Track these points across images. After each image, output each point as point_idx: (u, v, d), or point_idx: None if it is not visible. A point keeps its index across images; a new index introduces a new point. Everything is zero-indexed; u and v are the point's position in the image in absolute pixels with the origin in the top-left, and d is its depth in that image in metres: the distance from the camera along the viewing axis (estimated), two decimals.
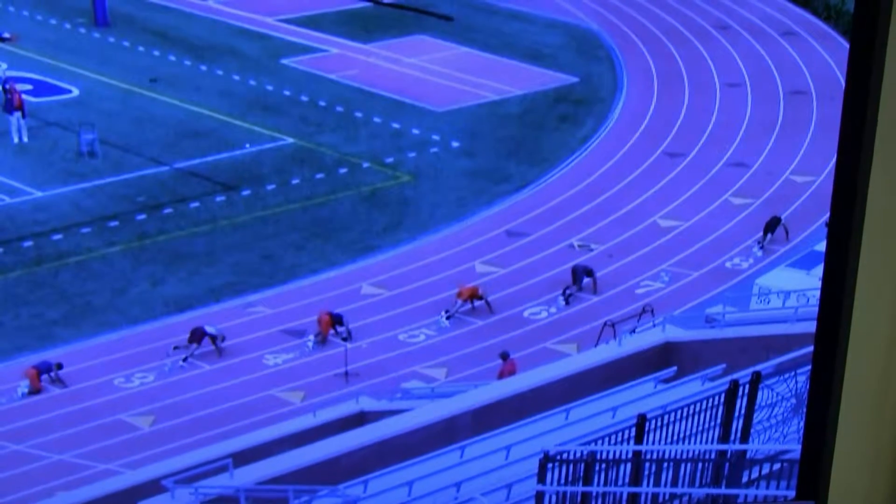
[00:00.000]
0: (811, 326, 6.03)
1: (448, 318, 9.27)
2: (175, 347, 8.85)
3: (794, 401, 7.00)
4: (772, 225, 9.48)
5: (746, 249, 9.43)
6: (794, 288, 8.29)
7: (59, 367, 8.57)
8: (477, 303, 9.27)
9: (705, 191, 10.25)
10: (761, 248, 9.33)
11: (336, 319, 9.12)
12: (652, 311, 8.68)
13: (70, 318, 9.02)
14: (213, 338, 8.84)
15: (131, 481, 7.68)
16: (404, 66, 12.50)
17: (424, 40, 13.01)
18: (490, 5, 14.02)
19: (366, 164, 10.94)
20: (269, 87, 12.00)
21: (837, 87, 7.02)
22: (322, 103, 11.85)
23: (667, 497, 7.01)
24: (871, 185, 5.90)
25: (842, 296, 5.99)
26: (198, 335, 8.86)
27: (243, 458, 7.59)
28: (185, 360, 8.77)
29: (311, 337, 9.04)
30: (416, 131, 11.33)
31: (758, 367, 7.19)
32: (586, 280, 9.36)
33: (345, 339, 8.96)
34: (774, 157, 10.43)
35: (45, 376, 8.60)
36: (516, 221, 10.21)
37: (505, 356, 8.66)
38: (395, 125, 11.44)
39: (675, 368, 7.86)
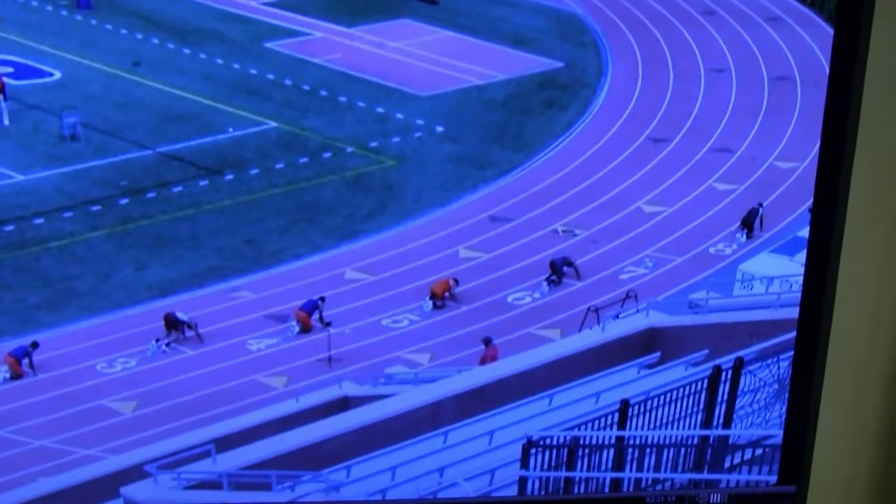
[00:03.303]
0: (794, 312, 6.10)
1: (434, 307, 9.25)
2: (157, 340, 8.81)
3: (776, 386, 7.02)
4: (750, 220, 9.47)
5: (730, 235, 9.42)
6: (777, 274, 8.27)
7: (35, 345, 8.51)
8: (456, 289, 9.24)
9: (689, 176, 10.21)
10: (746, 237, 9.34)
11: (309, 312, 9.10)
12: (636, 296, 8.67)
13: (52, 302, 8.96)
14: (185, 324, 8.80)
15: (113, 467, 7.64)
16: (389, 51, 12.46)
17: (409, 24, 12.94)
18: None
19: (350, 149, 10.88)
20: (253, 71, 11.92)
21: (822, 74, 7.03)
22: (306, 87, 11.78)
23: (649, 482, 7.03)
24: (855, 172, 5.96)
25: (824, 282, 6.05)
26: (171, 322, 8.83)
27: (226, 443, 7.56)
28: (167, 345, 8.73)
29: (294, 323, 9.04)
30: (400, 116, 11.27)
31: (741, 353, 7.21)
32: (567, 269, 9.34)
33: (327, 325, 8.94)
34: (759, 142, 10.40)
35: (24, 360, 8.57)
36: (500, 206, 10.17)
37: (487, 341, 8.62)
38: (380, 109, 11.37)
39: (658, 354, 7.83)
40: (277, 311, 9.03)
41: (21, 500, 7.34)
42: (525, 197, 10.19)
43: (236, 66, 11.97)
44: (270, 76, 11.85)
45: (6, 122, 10.70)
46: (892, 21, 6.60)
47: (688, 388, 7.18)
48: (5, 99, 10.79)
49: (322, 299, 9.00)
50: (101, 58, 11.76)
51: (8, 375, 8.41)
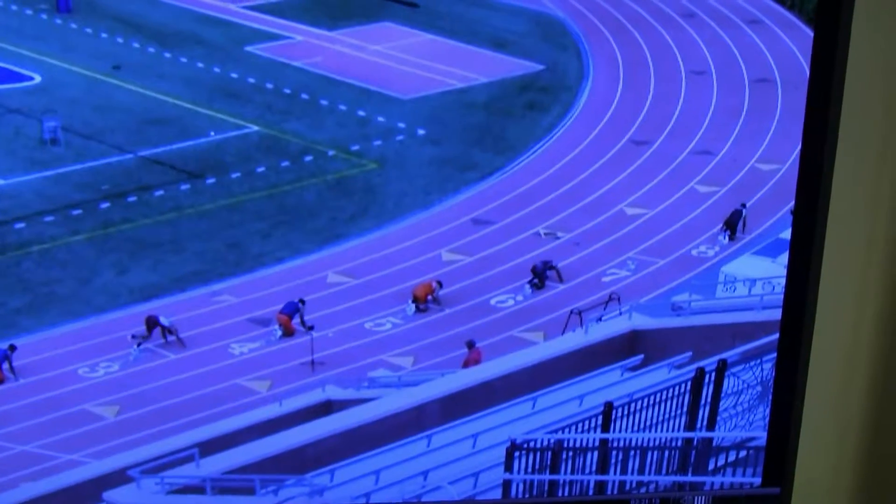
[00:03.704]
0: (777, 314, 6.11)
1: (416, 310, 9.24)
2: (133, 336, 8.76)
3: (759, 388, 7.03)
4: (733, 222, 9.49)
5: (712, 237, 9.44)
6: (759, 276, 8.29)
7: (13, 348, 8.46)
8: (439, 292, 9.23)
9: (671, 178, 10.23)
10: (729, 239, 9.36)
11: (290, 314, 9.08)
12: (618, 298, 8.68)
13: (34, 307, 8.92)
14: (166, 329, 8.77)
15: (97, 471, 7.61)
16: (369, 54, 12.45)
17: (389, 27, 12.93)
18: None
19: (331, 152, 10.87)
20: (234, 75, 11.90)
21: (802, 76, 7.05)
22: (287, 91, 11.75)
23: (634, 485, 7.04)
24: (836, 173, 5.97)
25: (806, 284, 6.06)
26: (152, 324, 8.80)
27: (209, 447, 7.54)
28: (138, 344, 8.67)
29: (277, 327, 9.02)
30: (381, 119, 11.25)
31: (724, 355, 7.22)
32: (549, 272, 9.34)
33: (309, 329, 8.92)
34: (740, 145, 10.43)
35: (4, 364, 8.52)
36: (482, 209, 10.17)
37: (471, 344, 8.62)
38: (361, 113, 11.36)
39: (641, 356, 7.84)
40: (260, 315, 9.01)
41: None
42: (507, 200, 10.19)
43: (217, 69, 11.94)
44: (251, 80, 11.82)
45: None
46: (872, 23, 6.63)
47: (671, 390, 7.18)
48: None
49: (302, 301, 8.99)
50: (82, 61, 11.72)
51: None
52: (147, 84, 11.46)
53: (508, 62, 12.20)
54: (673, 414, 7.16)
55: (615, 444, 7.05)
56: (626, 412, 7.16)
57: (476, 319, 8.95)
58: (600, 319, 8.35)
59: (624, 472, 7.03)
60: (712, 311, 8.22)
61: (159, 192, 10.04)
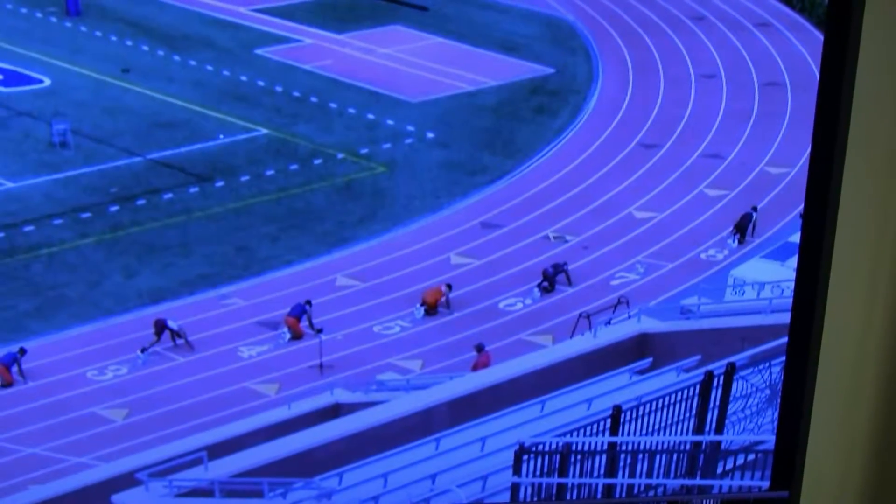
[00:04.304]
0: (786, 317, 6.06)
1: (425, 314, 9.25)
2: (142, 350, 8.77)
3: (768, 392, 7.02)
4: (743, 225, 9.46)
5: (721, 241, 9.44)
6: (768, 279, 8.29)
7: (23, 352, 8.48)
8: (448, 295, 9.24)
9: (680, 182, 10.25)
10: (738, 242, 9.35)
11: (297, 317, 9.10)
12: (627, 302, 8.68)
13: (43, 310, 8.94)
14: (174, 333, 8.77)
15: (105, 474, 7.63)
16: (379, 57, 12.47)
17: (399, 30, 12.96)
18: None
19: (340, 155, 10.89)
20: (243, 78, 11.93)
21: (811, 78, 7.04)
22: (296, 94, 11.79)
23: (642, 488, 7.02)
24: (845, 176, 5.91)
25: (815, 287, 6.01)
26: (159, 327, 8.81)
27: (218, 450, 7.54)
28: (144, 350, 8.67)
29: (285, 330, 9.03)
30: (390, 122, 11.28)
31: (732, 358, 7.20)
32: (560, 276, 9.33)
33: (318, 332, 8.92)
34: (749, 148, 10.44)
35: (13, 368, 8.54)
36: (491, 213, 10.19)
37: (480, 348, 8.64)
38: (370, 116, 11.39)
39: (650, 360, 7.85)
40: (268, 318, 9.02)
41: None
42: (516, 203, 10.20)
43: (226, 72, 11.97)
44: (261, 83, 11.86)
45: None
46: (882, 26, 6.59)
47: (680, 393, 7.16)
48: None
49: (309, 303, 9.00)
50: (91, 65, 11.75)
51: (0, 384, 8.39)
52: (156, 87, 11.49)
53: (518, 65, 12.19)
54: (681, 417, 7.14)
55: (623, 448, 7.03)
56: (634, 415, 7.14)
57: (485, 323, 8.96)
58: (609, 323, 8.34)
59: (632, 475, 7.01)
60: (721, 315, 8.21)
61: (168, 195, 10.06)
